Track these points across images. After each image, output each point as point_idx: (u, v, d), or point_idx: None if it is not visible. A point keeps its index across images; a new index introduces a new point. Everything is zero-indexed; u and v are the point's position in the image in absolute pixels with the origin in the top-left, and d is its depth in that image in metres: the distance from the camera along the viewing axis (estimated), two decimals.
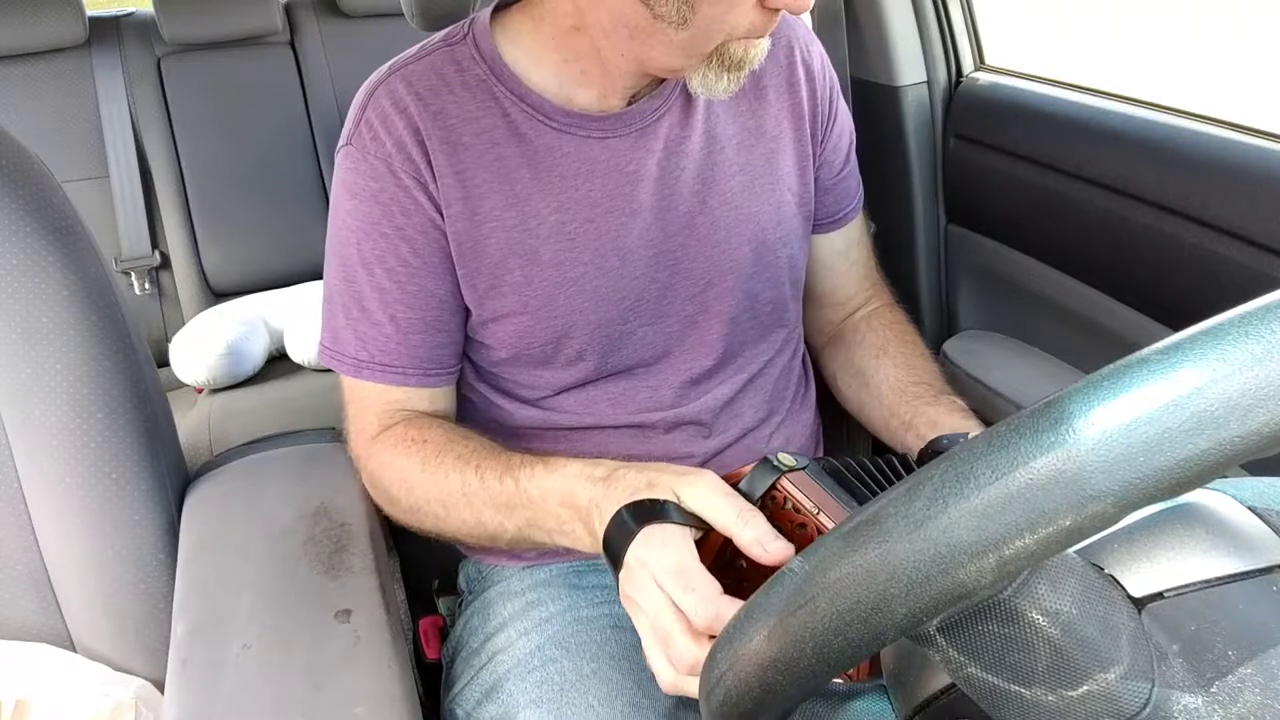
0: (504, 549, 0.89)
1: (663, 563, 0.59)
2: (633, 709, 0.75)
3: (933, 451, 0.76)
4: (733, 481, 0.63)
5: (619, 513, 0.63)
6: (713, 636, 0.57)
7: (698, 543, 0.61)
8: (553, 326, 0.80)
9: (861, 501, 0.62)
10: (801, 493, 0.61)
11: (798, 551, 0.58)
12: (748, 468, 0.64)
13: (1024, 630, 0.33)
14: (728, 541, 0.60)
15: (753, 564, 0.59)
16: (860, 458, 0.67)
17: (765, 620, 0.35)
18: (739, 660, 0.37)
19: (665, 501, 0.62)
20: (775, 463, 0.62)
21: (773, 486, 0.62)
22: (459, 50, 0.79)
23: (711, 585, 0.58)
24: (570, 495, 0.68)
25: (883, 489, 0.64)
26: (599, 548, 0.65)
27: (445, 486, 0.75)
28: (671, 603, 0.58)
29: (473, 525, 0.75)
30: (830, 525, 0.59)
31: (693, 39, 0.69)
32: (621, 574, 0.62)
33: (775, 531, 0.59)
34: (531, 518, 0.71)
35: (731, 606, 0.57)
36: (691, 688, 0.59)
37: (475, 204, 0.77)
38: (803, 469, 0.62)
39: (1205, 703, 0.33)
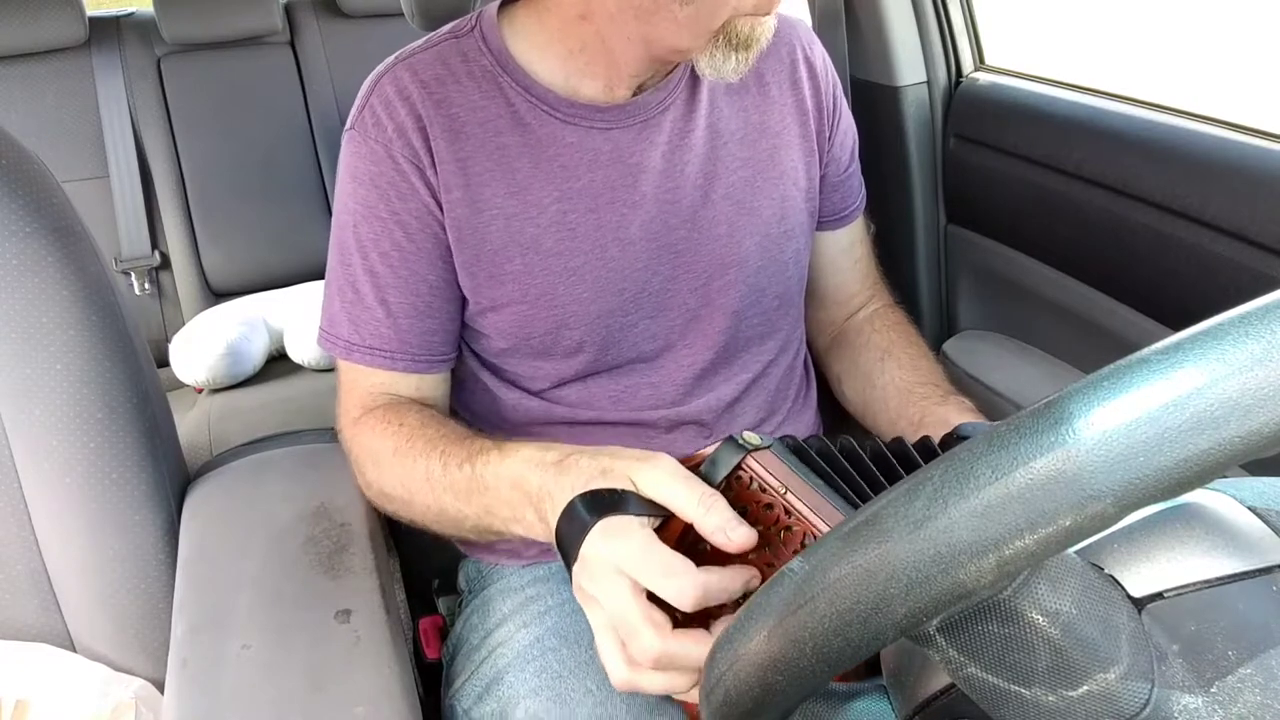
0: (496, 546, 0.89)
1: (631, 555, 0.56)
2: (630, 693, 0.75)
3: (958, 437, 0.74)
4: (696, 463, 0.60)
5: (572, 503, 0.60)
6: (677, 626, 0.56)
7: (658, 530, 0.59)
8: (552, 316, 0.81)
9: (829, 481, 0.59)
10: (768, 472, 0.58)
11: (762, 534, 0.57)
12: (710, 448, 0.61)
13: (1024, 630, 0.33)
14: (689, 527, 0.58)
15: (716, 548, 0.57)
16: (824, 438, 0.64)
17: (765, 620, 0.35)
18: (739, 660, 0.37)
19: (622, 491, 0.59)
20: (740, 441, 0.59)
21: (738, 466, 0.59)
22: (465, 42, 0.80)
23: (689, 565, 0.56)
24: (521, 480, 0.66)
25: (850, 468, 0.62)
26: (552, 537, 0.62)
27: (411, 471, 0.75)
28: (636, 596, 0.56)
29: (436, 512, 0.74)
30: (798, 504, 0.57)
31: (698, 15, 0.70)
32: (576, 567, 0.59)
33: (739, 517, 0.56)
34: (488, 505, 0.69)
35: (714, 577, 0.55)
36: (644, 684, 0.57)
37: (476, 191, 0.78)
38: (768, 447, 0.59)
39: (1205, 703, 0.33)
